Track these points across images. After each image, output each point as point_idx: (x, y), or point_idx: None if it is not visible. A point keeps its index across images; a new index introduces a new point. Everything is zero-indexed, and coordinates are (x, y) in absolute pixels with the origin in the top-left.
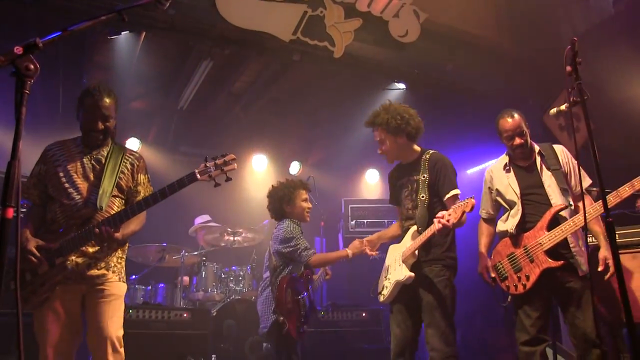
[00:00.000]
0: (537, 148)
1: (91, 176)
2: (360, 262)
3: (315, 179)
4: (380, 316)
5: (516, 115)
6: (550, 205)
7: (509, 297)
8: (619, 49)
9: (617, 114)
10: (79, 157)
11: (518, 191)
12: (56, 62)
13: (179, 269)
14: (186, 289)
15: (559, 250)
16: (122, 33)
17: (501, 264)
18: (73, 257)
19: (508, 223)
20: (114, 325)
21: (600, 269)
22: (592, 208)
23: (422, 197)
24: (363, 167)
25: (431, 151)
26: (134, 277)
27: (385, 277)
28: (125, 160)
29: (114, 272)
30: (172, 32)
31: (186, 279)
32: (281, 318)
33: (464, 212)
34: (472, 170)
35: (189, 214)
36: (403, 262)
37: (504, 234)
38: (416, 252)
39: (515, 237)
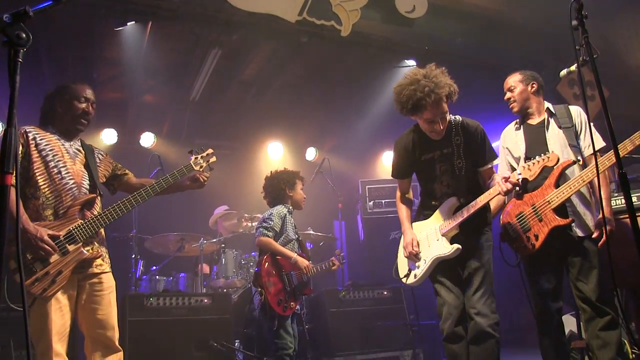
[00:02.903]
0: (547, 106)
1: (77, 161)
2: (378, 243)
3: (331, 162)
4: (402, 294)
5: (515, 74)
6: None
7: (519, 257)
8: (633, 16)
9: (631, 80)
10: (60, 143)
11: (524, 148)
12: (65, 60)
13: (198, 258)
14: (207, 277)
15: (568, 208)
16: (128, 24)
17: (510, 224)
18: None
19: None
20: (115, 315)
21: (594, 235)
22: (606, 158)
23: (459, 163)
24: (379, 149)
25: (457, 116)
26: (154, 268)
27: (418, 257)
28: (96, 152)
29: (106, 262)
30: (177, 20)
31: (206, 267)
32: (258, 289)
33: (543, 167)
34: None
35: (206, 203)
36: (443, 235)
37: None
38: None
39: (522, 197)
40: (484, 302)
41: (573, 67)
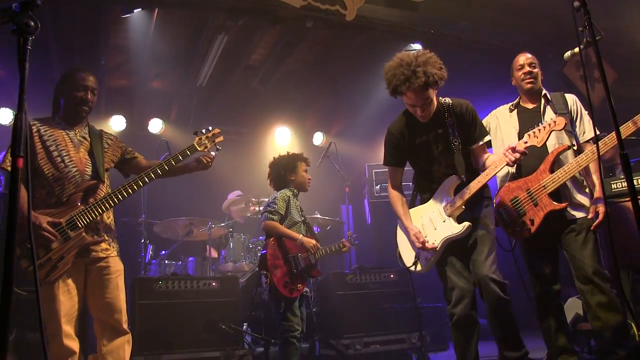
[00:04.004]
0: (544, 92)
1: (82, 149)
2: (384, 226)
3: (337, 147)
4: (409, 277)
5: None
6: (546, 147)
7: (513, 242)
8: None
9: None
10: (64, 132)
11: (517, 129)
12: (73, 48)
13: (207, 242)
14: (215, 261)
15: (562, 192)
16: (135, 11)
17: (505, 208)
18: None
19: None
20: (124, 298)
21: (590, 216)
22: (603, 143)
23: (455, 142)
24: (384, 132)
25: (447, 98)
26: (163, 252)
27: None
28: (105, 138)
29: (113, 247)
30: (183, 6)
31: (214, 251)
32: (264, 272)
33: (551, 132)
34: None
35: (214, 188)
36: (449, 216)
37: (504, 177)
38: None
39: (518, 181)
40: (494, 269)
41: (576, 49)
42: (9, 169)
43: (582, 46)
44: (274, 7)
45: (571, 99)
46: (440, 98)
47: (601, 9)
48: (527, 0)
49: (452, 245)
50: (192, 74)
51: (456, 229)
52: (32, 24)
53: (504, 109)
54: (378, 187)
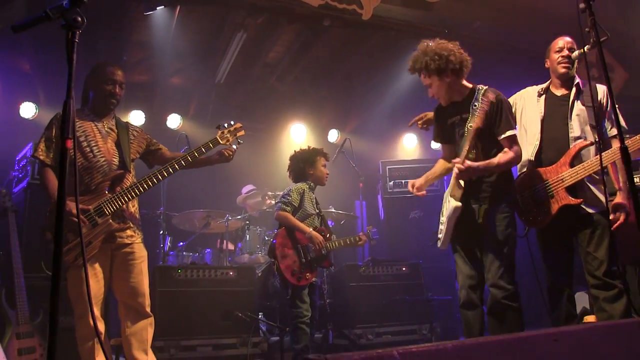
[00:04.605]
0: (577, 81)
1: (109, 140)
2: (397, 222)
3: (352, 143)
4: (420, 270)
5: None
6: (568, 139)
7: (526, 229)
8: None
9: None
10: (93, 123)
11: (542, 115)
12: (97, 43)
13: (223, 234)
14: (232, 253)
15: (578, 187)
16: (158, 8)
17: (521, 196)
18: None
19: (526, 150)
20: (147, 283)
21: (611, 217)
22: (632, 141)
23: (471, 126)
24: (399, 130)
25: (485, 86)
26: (181, 244)
27: (439, 221)
28: (130, 129)
29: (138, 234)
30: (205, 3)
31: (231, 245)
32: (272, 260)
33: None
34: None
35: (231, 181)
36: (451, 196)
37: (522, 164)
38: (461, 182)
39: (536, 170)
40: (500, 275)
41: (585, 49)
42: (41, 157)
43: (587, 46)
44: (292, 5)
45: (602, 90)
46: (479, 86)
47: (615, 11)
48: (541, 2)
49: (461, 231)
50: (210, 70)
51: (450, 209)
52: (80, 19)
53: (532, 90)
54: (392, 183)
